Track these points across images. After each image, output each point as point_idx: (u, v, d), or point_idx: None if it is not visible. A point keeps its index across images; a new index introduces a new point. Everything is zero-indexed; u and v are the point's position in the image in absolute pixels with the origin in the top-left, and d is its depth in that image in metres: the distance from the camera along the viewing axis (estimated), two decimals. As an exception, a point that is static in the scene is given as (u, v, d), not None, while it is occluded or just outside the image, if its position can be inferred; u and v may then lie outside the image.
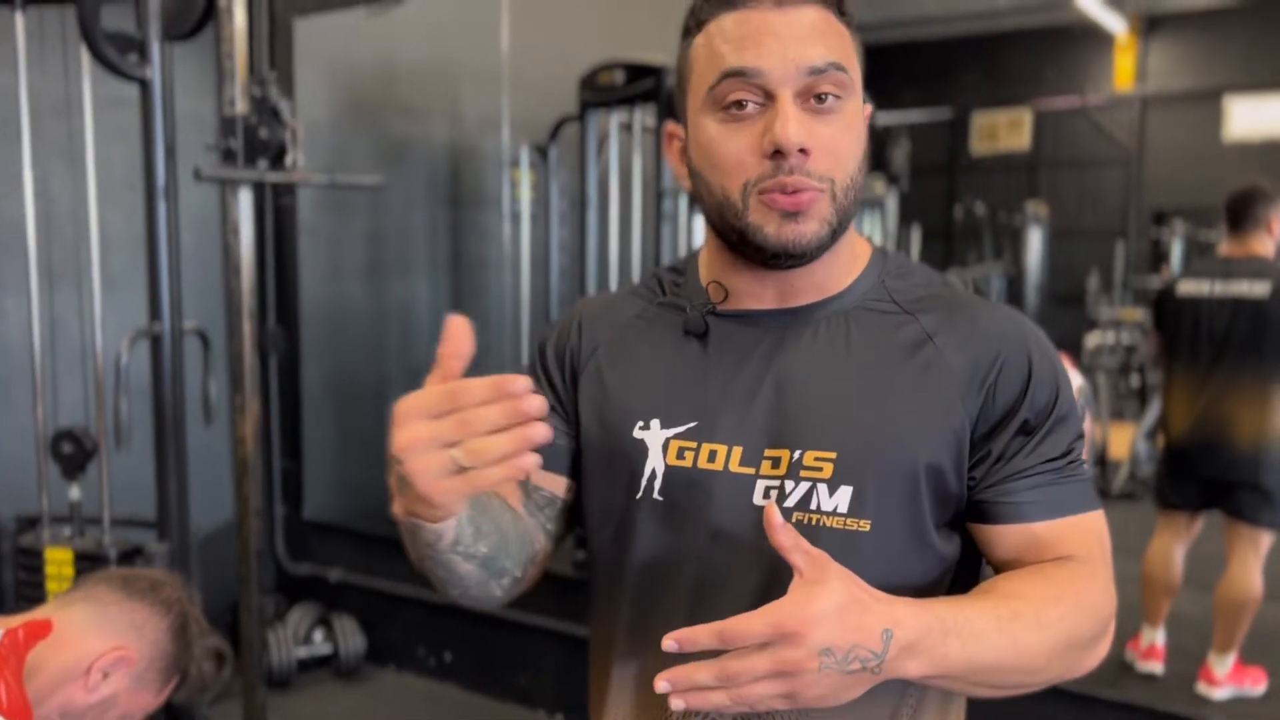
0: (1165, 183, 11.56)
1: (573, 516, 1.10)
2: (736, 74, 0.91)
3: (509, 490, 1.04)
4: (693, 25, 0.97)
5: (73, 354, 3.13)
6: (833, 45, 0.92)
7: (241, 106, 2.55)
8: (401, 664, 3.85)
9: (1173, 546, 3.39)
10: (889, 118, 8.75)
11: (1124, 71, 11.91)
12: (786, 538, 0.79)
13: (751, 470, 0.95)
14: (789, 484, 0.94)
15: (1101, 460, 6.36)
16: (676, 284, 1.08)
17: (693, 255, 1.10)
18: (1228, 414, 3.19)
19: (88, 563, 2.61)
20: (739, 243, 0.96)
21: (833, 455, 0.93)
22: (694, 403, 0.99)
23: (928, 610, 0.81)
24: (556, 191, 4.58)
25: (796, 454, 0.94)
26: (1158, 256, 8.84)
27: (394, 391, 4.62)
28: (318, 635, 3.78)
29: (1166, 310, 3.39)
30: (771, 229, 0.92)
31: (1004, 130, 12.63)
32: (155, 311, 2.60)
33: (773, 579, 0.93)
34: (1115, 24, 11.24)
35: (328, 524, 4.12)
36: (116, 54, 2.47)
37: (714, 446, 0.97)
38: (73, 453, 2.70)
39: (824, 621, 0.75)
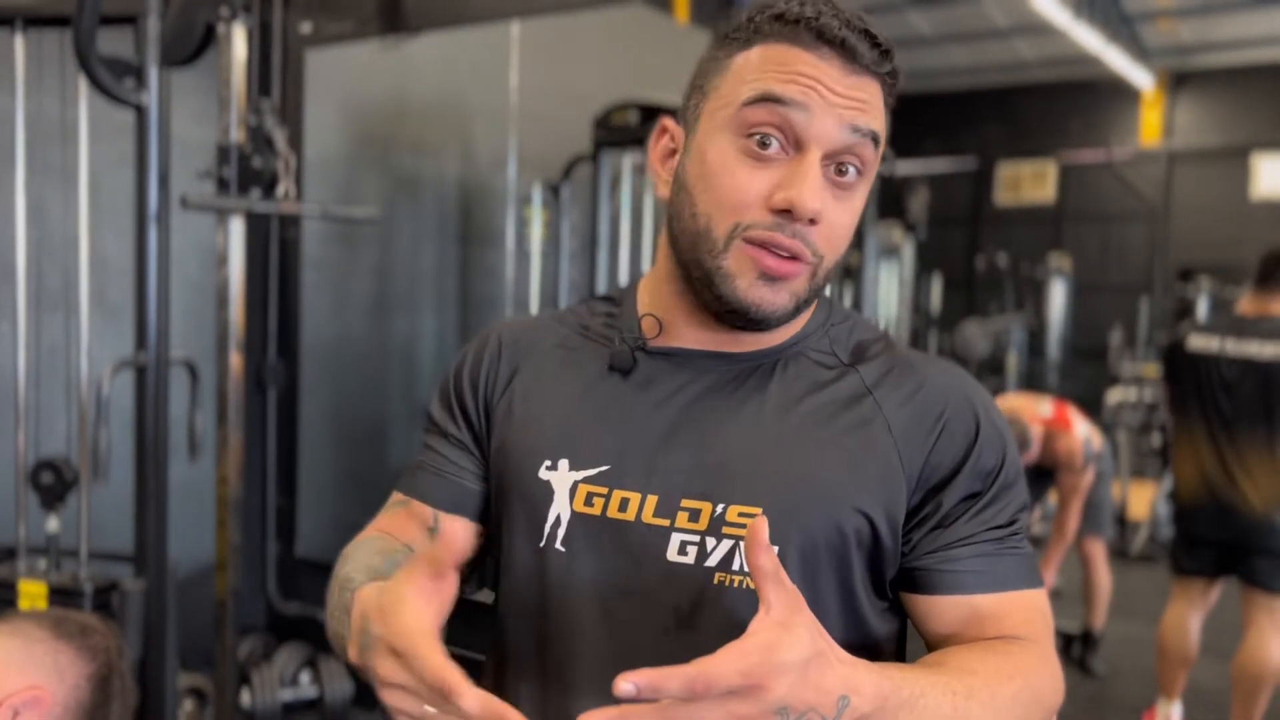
0: (1191, 239, 11.47)
1: (479, 561, 1.01)
2: (776, 100, 0.83)
3: (422, 541, 0.97)
4: (744, 35, 0.87)
5: (63, 382, 3.08)
6: (877, 120, 0.86)
7: (237, 135, 2.51)
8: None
9: (1188, 614, 3.26)
10: (908, 166, 8.70)
11: (1150, 127, 11.87)
12: (768, 561, 0.68)
13: (666, 522, 0.87)
14: (710, 541, 0.85)
15: (1121, 520, 6.21)
16: (610, 314, 1.00)
17: (631, 286, 1.02)
18: (1238, 476, 3.06)
19: (62, 597, 2.53)
20: (701, 283, 0.88)
21: (757, 511, 0.85)
22: (608, 444, 0.90)
23: (886, 679, 0.73)
24: (568, 230, 4.54)
25: (719, 508, 0.86)
26: (1183, 313, 8.73)
27: (395, 429, 4.60)
28: (304, 678, 3.68)
29: (1175, 365, 3.28)
30: (744, 282, 0.85)
31: (1028, 182, 12.58)
32: (141, 340, 2.55)
33: (686, 644, 0.83)
34: (1143, 80, 11.21)
35: (321, 562, 4.03)
36: (113, 79, 2.44)
37: (626, 494, 0.88)
38: (52, 483, 2.64)
39: (788, 676, 0.65)
